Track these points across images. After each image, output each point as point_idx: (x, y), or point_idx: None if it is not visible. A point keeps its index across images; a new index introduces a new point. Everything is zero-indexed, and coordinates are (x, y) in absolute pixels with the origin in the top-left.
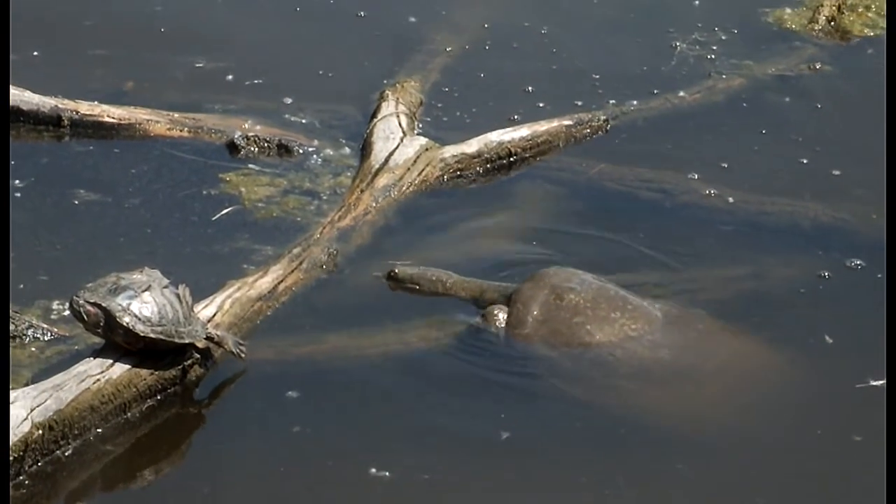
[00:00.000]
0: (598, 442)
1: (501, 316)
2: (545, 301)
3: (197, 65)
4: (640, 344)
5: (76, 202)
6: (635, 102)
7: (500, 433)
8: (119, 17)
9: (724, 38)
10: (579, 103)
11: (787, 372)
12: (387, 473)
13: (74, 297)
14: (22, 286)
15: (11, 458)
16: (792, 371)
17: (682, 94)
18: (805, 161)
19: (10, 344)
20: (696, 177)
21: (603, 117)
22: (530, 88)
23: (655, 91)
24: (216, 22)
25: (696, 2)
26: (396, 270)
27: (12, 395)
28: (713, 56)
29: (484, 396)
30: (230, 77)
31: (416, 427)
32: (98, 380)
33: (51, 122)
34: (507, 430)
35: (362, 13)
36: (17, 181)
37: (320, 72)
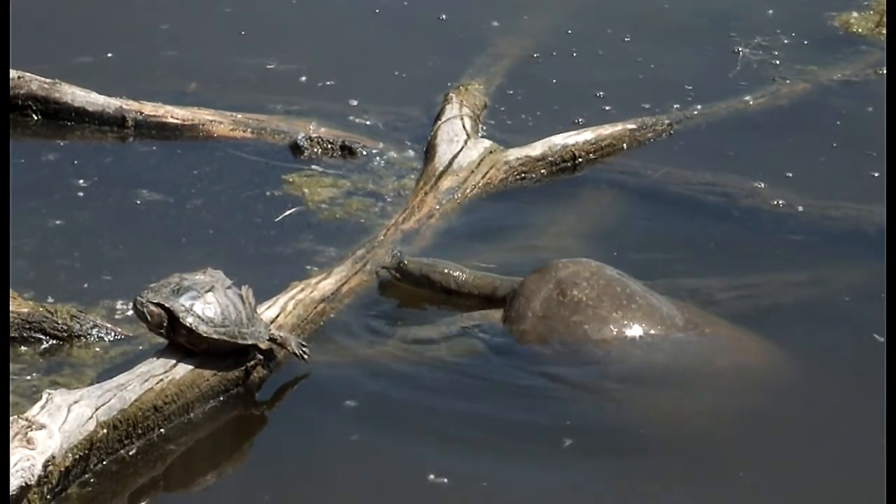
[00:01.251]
0: (655, 449)
1: (497, 315)
2: (548, 296)
3: (268, 66)
4: (636, 345)
5: (138, 202)
6: (699, 107)
7: (564, 440)
8: (194, 20)
9: (787, 42)
10: (647, 106)
11: (788, 379)
12: (445, 480)
13: (138, 298)
14: (86, 285)
15: (77, 457)
16: (795, 378)
17: (746, 98)
18: (869, 166)
19: (76, 343)
20: (760, 183)
21: (667, 121)
22: (598, 93)
23: (720, 96)
24: (290, 23)
25: (768, 11)
26: (406, 262)
27: (77, 393)
28: (777, 61)
29: (548, 401)
30: (303, 79)
31: (475, 433)
32: (161, 380)
33: (115, 123)
34: (570, 437)
35: (443, 16)
36: (80, 181)
37: (388, 74)
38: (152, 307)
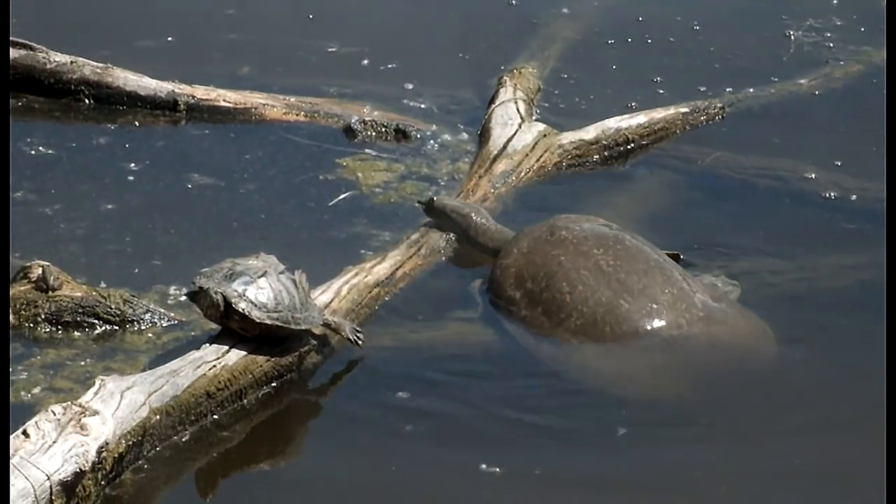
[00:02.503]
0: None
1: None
2: (537, 236)
3: (329, 49)
4: (609, 280)
5: (190, 186)
6: (752, 90)
7: (618, 429)
8: (260, 4)
9: (841, 24)
10: (703, 89)
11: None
12: (497, 469)
13: (192, 283)
14: (137, 270)
15: (130, 443)
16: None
17: (799, 81)
18: None
19: (129, 328)
20: (813, 165)
21: (719, 105)
22: (651, 76)
23: (773, 78)
24: (357, 7)
25: None
26: (434, 199)
27: (130, 379)
28: (831, 43)
29: (603, 391)
30: (365, 62)
31: (528, 420)
32: (214, 366)
33: (167, 107)
34: (623, 427)
35: (514, 2)
36: (132, 165)
37: (444, 57)
38: (214, 295)
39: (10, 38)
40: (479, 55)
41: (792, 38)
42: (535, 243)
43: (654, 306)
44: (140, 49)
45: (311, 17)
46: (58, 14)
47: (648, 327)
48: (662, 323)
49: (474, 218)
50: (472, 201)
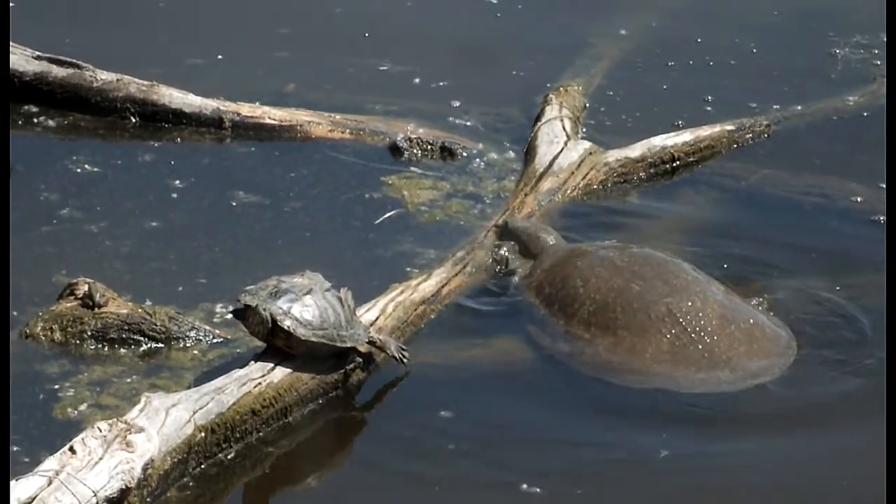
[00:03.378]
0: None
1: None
2: (560, 255)
3: (381, 68)
4: (621, 271)
5: (234, 204)
6: (799, 107)
7: (660, 451)
8: (313, 23)
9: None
10: (747, 107)
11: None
12: (538, 490)
13: (237, 300)
14: (181, 288)
15: (175, 460)
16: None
17: (845, 98)
18: None
19: (174, 346)
20: (860, 184)
21: (765, 122)
22: (697, 94)
23: (819, 96)
24: (410, 26)
25: (868, 9)
26: (507, 221)
27: (175, 397)
28: (878, 60)
29: (645, 410)
30: (416, 80)
31: (570, 439)
32: (259, 383)
33: (213, 125)
34: (666, 449)
35: (563, 22)
36: (176, 182)
37: (481, 74)
38: (262, 312)
39: (58, 58)
40: (526, 73)
41: (839, 55)
42: (555, 259)
43: (666, 287)
44: (190, 67)
45: (366, 35)
46: (110, 34)
47: (661, 307)
48: (676, 302)
49: (542, 238)
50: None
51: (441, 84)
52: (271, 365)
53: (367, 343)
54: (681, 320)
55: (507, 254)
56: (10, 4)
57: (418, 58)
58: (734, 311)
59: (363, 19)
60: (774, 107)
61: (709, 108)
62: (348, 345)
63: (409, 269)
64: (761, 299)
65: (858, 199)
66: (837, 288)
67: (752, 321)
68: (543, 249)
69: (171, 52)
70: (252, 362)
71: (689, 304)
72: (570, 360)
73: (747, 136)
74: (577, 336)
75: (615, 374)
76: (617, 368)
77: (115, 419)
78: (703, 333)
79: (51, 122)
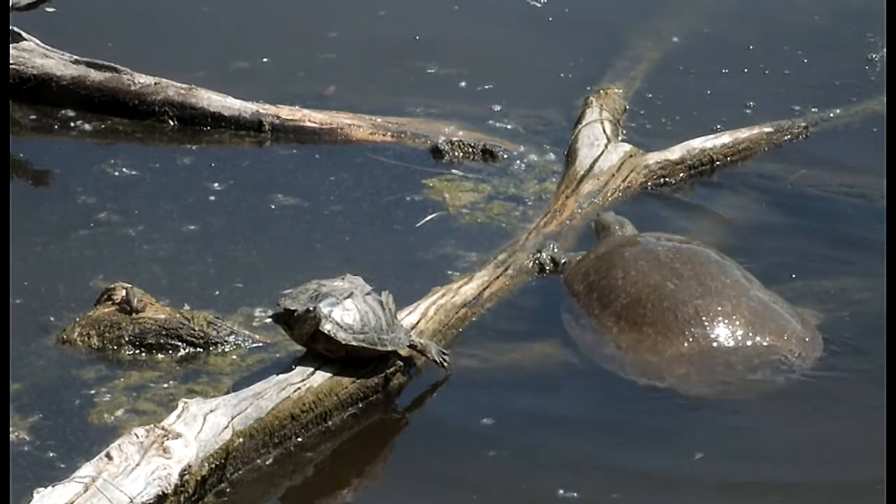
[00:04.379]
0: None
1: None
2: (615, 242)
3: (429, 70)
4: (661, 267)
5: (273, 207)
6: (837, 110)
7: (694, 453)
8: (362, 26)
9: None
10: (785, 109)
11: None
12: (575, 494)
13: (276, 304)
14: (218, 292)
15: (213, 466)
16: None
17: (882, 99)
18: None
19: (212, 351)
20: None
21: (803, 124)
22: (736, 96)
23: (857, 98)
24: (460, 29)
25: None
26: (600, 215)
27: (213, 402)
28: None
29: (679, 413)
30: (463, 84)
31: (607, 444)
32: (299, 388)
33: (252, 128)
34: (700, 451)
35: (609, 21)
36: (215, 185)
37: (524, 77)
38: (310, 314)
39: (96, 62)
40: (567, 76)
41: (877, 56)
42: (609, 247)
43: (700, 289)
44: (235, 70)
45: (416, 38)
46: (153, 39)
47: (689, 309)
48: (705, 304)
49: (612, 227)
50: (560, 221)
51: (486, 87)
52: (311, 369)
53: (408, 347)
54: (706, 324)
55: (547, 256)
56: (52, 10)
57: (464, 61)
58: (766, 318)
59: (411, 23)
60: (813, 109)
61: (748, 111)
62: (389, 349)
63: (450, 272)
64: (797, 300)
65: None
66: (875, 287)
67: (780, 330)
68: (608, 238)
69: (215, 55)
70: (292, 367)
71: (719, 308)
72: (591, 353)
73: (786, 137)
74: (605, 328)
75: (632, 370)
76: (635, 365)
77: (152, 425)
78: (724, 340)
79: (88, 126)
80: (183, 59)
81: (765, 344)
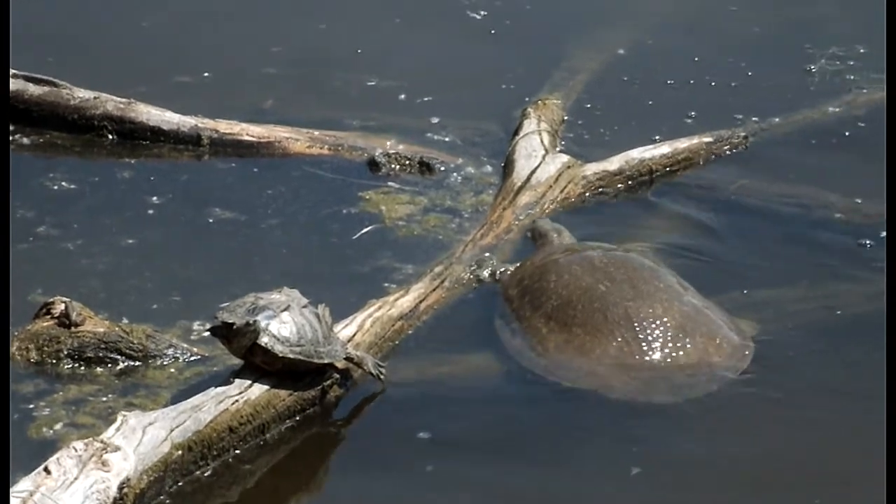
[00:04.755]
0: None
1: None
2: (551, 250)
3: (369, 83)
4: (594, 271)
5: (211, 221)
6: (777, 119)
7: (631, 468)
8: (306, 42)
9: (863, 51)
10: (724, 119)
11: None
12: None
13: (214, 317)
14: (156, 306)
15: (152, 479)
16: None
17: (822, 109)
18: None
19: (151, 364)
20: (837, 194)
21: (742, 134)
22: (675, 107)
23: (796, 107)
24: (405, 42)
25: (844, 21)
26: (536, 222)
27: (152, 415)
28: (853, 71)
29: (613, 421)
30: (402, 96)
31: (545, 459)
32: (236, 401)
33: (191, 142)
34: (637, 466)
35: (511, 32)
36: (154, 199)
37: (463, 89)
38: (245, 328)
39: (34, 76)
40: (506, 87)
41: (815, 66)
42: (546, 253)
43: (632, 292)
44: (176, 85)
45: (358, 51)
46: (94, 54)
47: (619, 310)
48: (636, 307)
49: (549, 235)
50: (496, 233)
51: (425, 100)
52: (249, 382)
53: (345, 359)
54: (635, 326)
55: (486, 271)
56: None
57: (404, 74)
58: (697, 322)
59: (353, 37)
60: (753, 119)
61: (688, 121)
62: (326, 361)
63: (386, 285)
64: (736, 311)
65: (835, 209)
66: (813, 297)
67: (711, 335)
68: (545, 246)
69: (157, 70)
70: (231, 379)
71: (650, 310)
72: (520, 356)
73: (725, 147)
74: (535, 329)
75: (559, 371)
76: (562, 366)
77: (90, 438)
78: (653, 342)
79: (26, 140)
80: (124, 73)
81: (695, 348)
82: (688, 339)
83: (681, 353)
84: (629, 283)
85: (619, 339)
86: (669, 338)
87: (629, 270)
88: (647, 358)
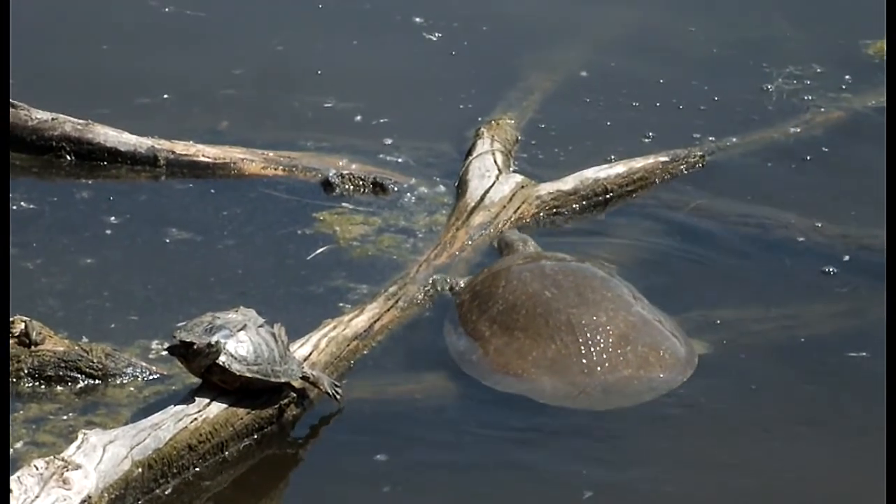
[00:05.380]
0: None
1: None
2: (509, 260)
3: (326, 104)
4: (544, 278)
5: (168, 241)
6: (734, 139)
7: (584, 492)
8: (266, 60)
9: (821, 71)
10: (680, 138)
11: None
12: None
13: (172, 337)
14: (113, 325)
15: (113, 496)
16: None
17: (779, 128)
18: None
19: (111, 383)
20: (795, 213)
21: (699, 153)
22: (630, 126)
23: (753, 126)
24: (363, 63)
25: (800, 40)
26: (504, 232)
27: (112, 433)
28: (811, 90)
29: (555, 434)
30: (358, 117)
31: (503, 477)
32: (195, 419)
33: (148, 163)
34: (590, 490)
35: (467, 53)
36: (111, 219)
37: (418, 109)
38: (209, 347)
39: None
40: (460, 107)
41: (773, 86)
42: (504, 262)
43: (577, 299)
44: (138, 106)
45: (319, 72)
46: (58, 75)
47: (562, 316)
48: (579, 313)
49: (514, 245)
50: (450, 253)
51: (381, 121)
52: (207, 400)
53: (301, 378)
54: (576, 332)
55: (441, 286)
56: None
57: (360, 94)
58: (641, 333)
59: (311, 58)
60: (710, 139)
61: (645, 141)
62: (282, 380)
63: (341, 305)
64: (693, 331)
65: (792, 228)
66: (771, 318)
67: (654, 345)
68: (509, 255)
69: (117, 92)
70: (189, 398)
71: (594, 318)
72: (460, 358)
73: (681, 167)
74: (479, 333)
75: (493, 375)
76: (497, 369)
77: (51, 456)
78: (592, 348)
79: None
80: (84, 95)
81: (635, 357)
82: (629, 348)
83: (620, 360)
84: (576, 290)
85: (558, 344)
86: (610, 345)
87: (578, 279)
88: (583, 363)
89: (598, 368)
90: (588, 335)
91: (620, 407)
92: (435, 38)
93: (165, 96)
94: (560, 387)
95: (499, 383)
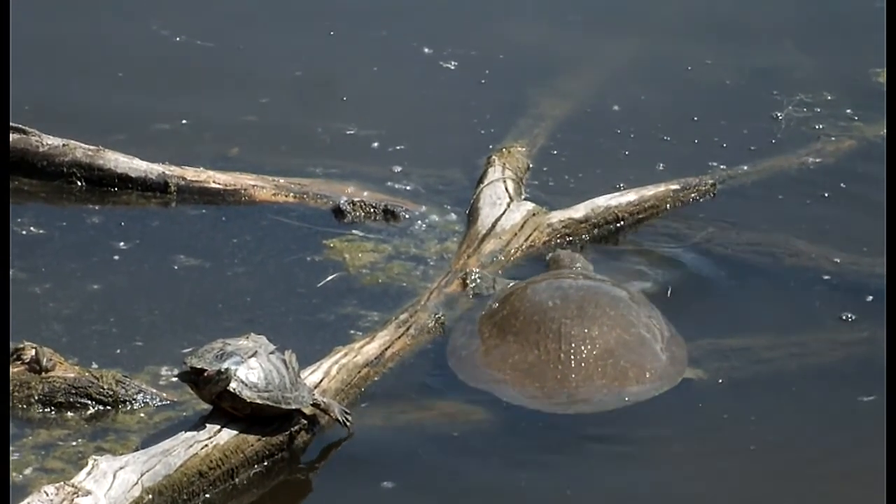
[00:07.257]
0: None
1: None
2: (545, 275)
3: (348, 132)
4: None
5: (176, 268)
6: (745, 167)
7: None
8: (289, 87)
9: (832, 99)
10: (691, 166)
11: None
12: None
13: (182, 363)
14: (119, 351)
15: None
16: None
17: (790, 156)
18: None
19: (121, 409)
20: (806, 241)
21: (710, 181)
22: (641, 154)
23: (764, 154)
24: (390, 90)
25: (811, 68)
26: (557, 250)
27: (122, 459)
28: (821, 119)
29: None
30: (376, 144)
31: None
32: (206, 445)
33: (158, 189)
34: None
35: (482, 81)
36: (120, 244)
37: (430, 136)
38: (220, 374)
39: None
40: (471, 134)
41: (783, 114)
42: (536, 277)
43: (576, 311)
44: (156, 132)
45: (344, 98)
46: (71, 100)
47: (554, 325)
48: (572, 324)
49: (566, 264)
50: (460, 281)
51: (398, 148)
52: (217, 427)
53: (312, 405)
54: (561, 340)
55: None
56: None
57: (381, 121)
58: (630, 350)
59: (335, 85)
60: (721, 167)
61: (656, 169)
62: (293, 407)
63: (352, 332)
64: (702, 358)
65: (803, 256)
66: (782, 346)
67: (638, 363)
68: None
69: (138, 117)
70: (200, 425)
71: (584, 330)
72: (450, 353)
73: (692, 195)
74: (478, 333)
75: (471, 371)
76: (476, 366)
77: (62, 483)
78: (572, 357)
79: None
80: (100, 121)
81: (615, 370)
82: (610, 361)
83: (597, 371)
84: (579, 303)
85: (540, 350)
86: (592, 357)
87: (588, 294)
88: (559, 370)
89: (573, 376)
90: (572, 345)
91: (580, 412)
92: (452, 67)
93: (184, 122)
94: (527, 389)
95: (471, 379)
